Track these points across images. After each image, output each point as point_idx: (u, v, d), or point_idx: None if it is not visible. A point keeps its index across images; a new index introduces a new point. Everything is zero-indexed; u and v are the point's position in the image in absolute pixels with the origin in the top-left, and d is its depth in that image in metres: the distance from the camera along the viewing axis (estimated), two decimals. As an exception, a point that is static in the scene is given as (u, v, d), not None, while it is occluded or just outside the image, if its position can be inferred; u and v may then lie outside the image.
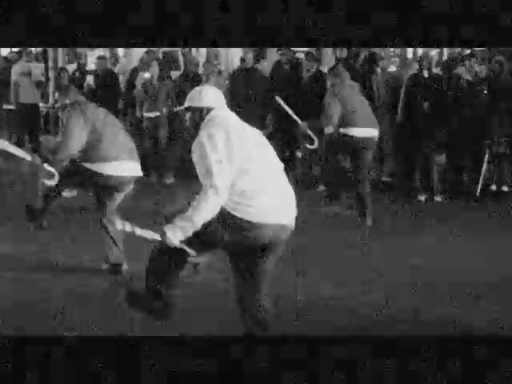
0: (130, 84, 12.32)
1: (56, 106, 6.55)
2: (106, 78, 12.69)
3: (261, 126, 11.97)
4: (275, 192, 4.19)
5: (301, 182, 10.72)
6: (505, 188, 10.81)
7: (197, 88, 4.60)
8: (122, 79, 13.04)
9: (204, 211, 4.03)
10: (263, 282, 4.33)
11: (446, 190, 10.51)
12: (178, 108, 5.25)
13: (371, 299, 6.10)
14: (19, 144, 12.54)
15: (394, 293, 6.27)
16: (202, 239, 4.15)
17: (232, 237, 4.14)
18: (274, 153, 4.41)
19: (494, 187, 10.79)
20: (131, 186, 6.65)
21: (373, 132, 8.67)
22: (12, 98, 13.72)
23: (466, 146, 10.73)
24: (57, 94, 6.58)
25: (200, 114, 4.37)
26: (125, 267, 6.62)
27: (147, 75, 11.92)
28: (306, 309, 5.82)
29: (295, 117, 8.95)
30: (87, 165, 6.31)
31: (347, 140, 8.59)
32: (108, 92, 12.49)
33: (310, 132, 8.89)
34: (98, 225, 6.59)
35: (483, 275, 6.80)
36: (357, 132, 8.55)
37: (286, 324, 5.03)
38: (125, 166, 6.39)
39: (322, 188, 10.63)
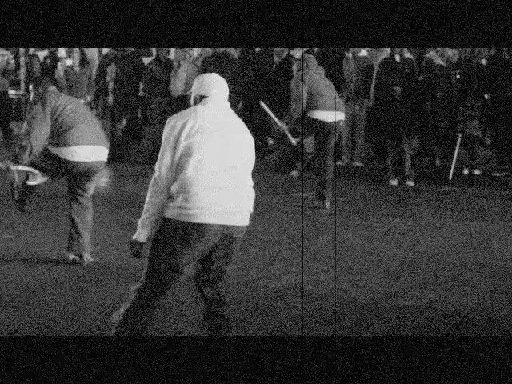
0: (101, 71, 12.24)
1: (27, 95, 6.46)
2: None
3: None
4: (218, 190, 4.00)
5: (274, 168, 10.69)
6: (477, 171, 10.84)
7: (203, 75, 4.41)
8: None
9: (149, 193, 4.05)
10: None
11: (418, 174, 10.52)
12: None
13: (340, 286, 6.07)
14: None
15: (366, 278, 6.26)
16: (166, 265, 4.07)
17: (184, 247, 4.07)
18: (241, 155, 4.12)
19: (466, 171, 10.83)
20: (102, 173, 6.53)
21: (338, 116, 8.70)
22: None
23: (438, 130, 10.75)
24: (29, 83, 6.47)
25: (192, 100, 4.27)
26: (88, 258, 6.49)
27: (69, 62, 11.78)
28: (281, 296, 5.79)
29: (277, 120, 9.06)
30: (53, 149, 6.27)
31: (313, 123, 8.62)
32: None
33: (288, 133, 8.98)
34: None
35: (457, 258, 6.81)
36: (323, 116, 8.58)
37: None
38: (86, 151, 6.30)
39: (294, 173, 10.66)
